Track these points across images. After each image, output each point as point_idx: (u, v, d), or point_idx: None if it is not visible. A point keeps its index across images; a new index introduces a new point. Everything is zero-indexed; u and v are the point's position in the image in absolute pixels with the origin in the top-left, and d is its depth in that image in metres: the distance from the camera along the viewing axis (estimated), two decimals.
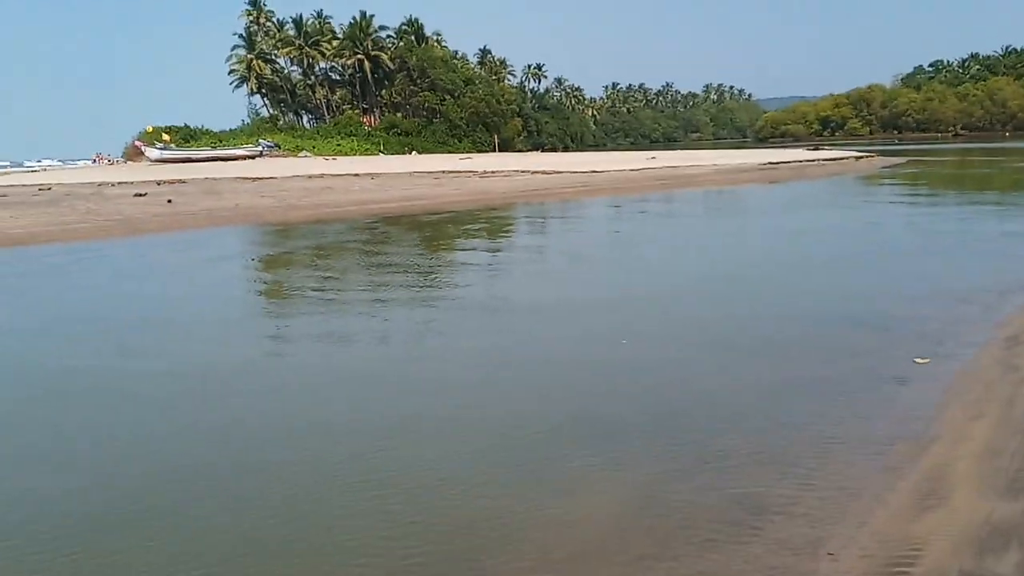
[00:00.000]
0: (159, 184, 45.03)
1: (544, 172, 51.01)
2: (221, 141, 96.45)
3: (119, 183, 45.44)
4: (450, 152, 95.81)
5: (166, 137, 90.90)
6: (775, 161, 56.94)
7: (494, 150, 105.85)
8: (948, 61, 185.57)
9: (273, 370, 11.34)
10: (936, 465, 7.31)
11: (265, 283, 18.89)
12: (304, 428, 8.95)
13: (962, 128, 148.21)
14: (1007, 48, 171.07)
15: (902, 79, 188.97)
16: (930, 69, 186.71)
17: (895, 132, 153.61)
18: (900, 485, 7.02)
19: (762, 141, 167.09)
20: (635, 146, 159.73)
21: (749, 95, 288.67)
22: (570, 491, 7.24)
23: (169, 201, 35.70)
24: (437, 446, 8.32)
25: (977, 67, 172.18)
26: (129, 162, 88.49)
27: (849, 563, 5.88)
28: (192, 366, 11.50)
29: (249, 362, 11.76)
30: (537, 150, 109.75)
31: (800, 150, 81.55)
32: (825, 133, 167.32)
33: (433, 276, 18.33)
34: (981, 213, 27.66)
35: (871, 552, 5.97)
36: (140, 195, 38.34)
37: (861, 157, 63.27)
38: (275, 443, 8.59)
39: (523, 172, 51.64)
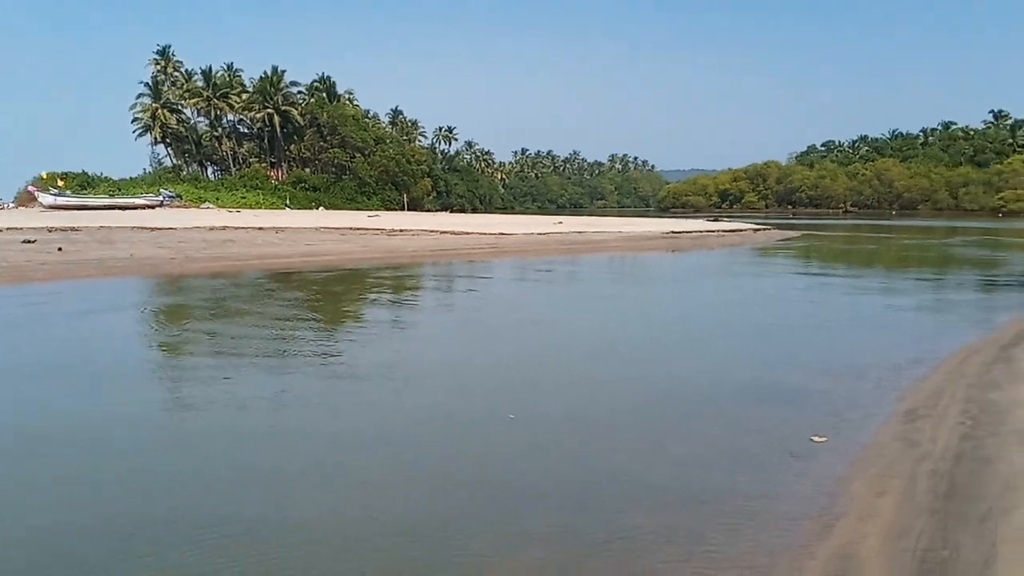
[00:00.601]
0: (50, 231, 43.11)
1: (453, 232, 51.03)
2: (120, 189, 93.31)
3: (8, 228, 43.31)
4: (359, 209, 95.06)
5: (61, 183, 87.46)
6: (678, 230, 58.42)
7: (403, 209, 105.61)
8: (839, 142, 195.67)
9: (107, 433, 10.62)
10: (844, 543, 7.25)
11: (135, 340, 17.95)
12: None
13: (852, 205, 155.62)
14: (894, 132, 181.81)
15: (796, 157, 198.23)
16: (822, 148, 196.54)
17: (789, 207, 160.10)
18: (809, 565, 6.91)
19: (664, 211, 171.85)
20: (542, 210, 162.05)
21: (652, 166, 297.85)
22: (463, 567, 6.89)
23: (60, 249, 34.18)
24: (314, 533, 7.83)
25: (866, 148, 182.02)
26: (21, 207, 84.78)
27: None
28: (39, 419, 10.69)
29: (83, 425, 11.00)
30: (446, 210, 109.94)
31: (701, 220, 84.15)
32: (724, 205, 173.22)
33: (318, 338, 17.68)
34: (871, 288, 28.73)
35: None
36: (29, 241, 36.59)
37: (759, 229, 65.58)
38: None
39: (432, 231, 51.56)
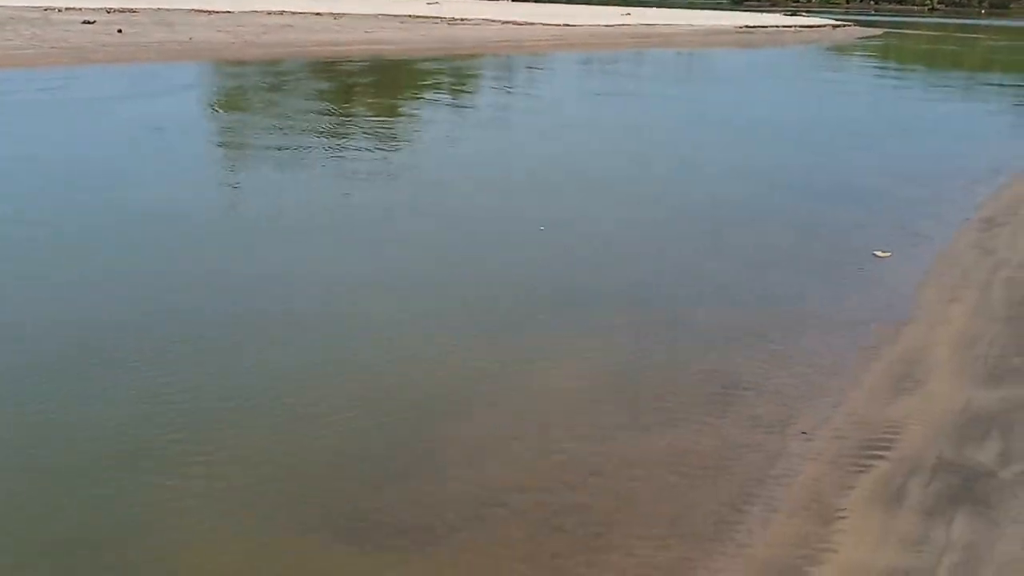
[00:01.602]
0: (108, 12, 42.48)
1: (516, 23, 49.08)
2: None
3: (66, 8, 42.74)
4: None
5: None
6: (751, 25, 55.43)
7: None
8: None
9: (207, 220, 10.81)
10: (912, 348, 7.19)
11: (211, 127, 17.97)
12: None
13: (939, 2, 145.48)
14: None
15: None
16: None
17: (872, 2, 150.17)
18: (875, 367, 6.90)
19: (738, 3, 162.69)
20: (610, 1, 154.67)
21: None
22: (540, 360, 7.02)
23: (119, 31, 33.72)
24: (406, 308, 7.99)
25: None
26: None
27: (823, 444, 5.76)
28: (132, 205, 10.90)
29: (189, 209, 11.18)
30: None
31: (777, 15, 79.52)
32: None
33: (384, 131, 17.53)
34: (953, 93, 27.26)
35: (845, 434, 5.85)
36: (88, 23, 36.15)
37: (838, 26, 61.89)
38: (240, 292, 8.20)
39: (494, 21, 49.65)
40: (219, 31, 36.54)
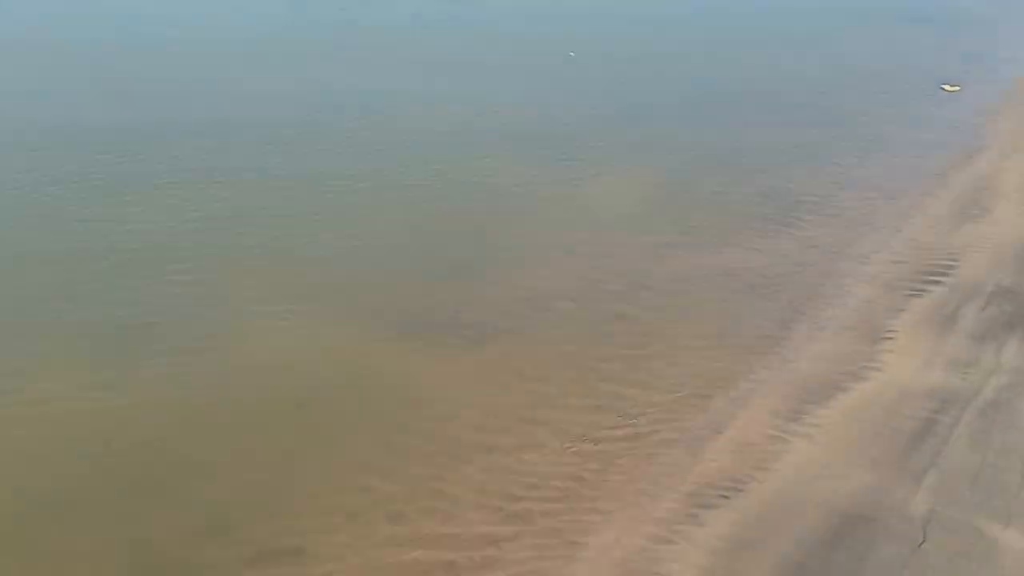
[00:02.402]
0: None
1: None
2: None
3: None
4: None
5: None
6: None
7: None
8: None
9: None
10: (981, 176, 6.92)
11: None
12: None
13: None
14: None
15: None
16: None
17: None
18: (941, 193, 6.69)
19: None
20: None
21: None
22: (594, 173, 6.93)
23: None
24: (464, 118, 7.90)
25: None
26: None
27: (879, 267, 5.68)
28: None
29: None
30: None
31: None
32: None
33: None
34: None
35: (904, 258, 5.76)
36: None
37: None
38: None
39: None
40: None
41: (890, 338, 4.88)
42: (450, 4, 11.61)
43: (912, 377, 4.52)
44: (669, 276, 5.71)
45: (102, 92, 8.40)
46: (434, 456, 4.13)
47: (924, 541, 3.40)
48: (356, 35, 10.36)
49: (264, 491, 3.90)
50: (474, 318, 5.14)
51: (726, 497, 3.75)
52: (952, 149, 7.53)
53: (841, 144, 7.52)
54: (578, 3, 11.76)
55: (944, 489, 3.66)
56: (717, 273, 5.70)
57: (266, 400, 4.55)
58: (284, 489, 3.95)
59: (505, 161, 7.18)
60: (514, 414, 4.40)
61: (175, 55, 9.29)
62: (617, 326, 5.20)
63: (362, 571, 3.71)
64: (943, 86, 8.88)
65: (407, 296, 5.34)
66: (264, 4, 11.29)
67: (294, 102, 8.15)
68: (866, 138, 7.70)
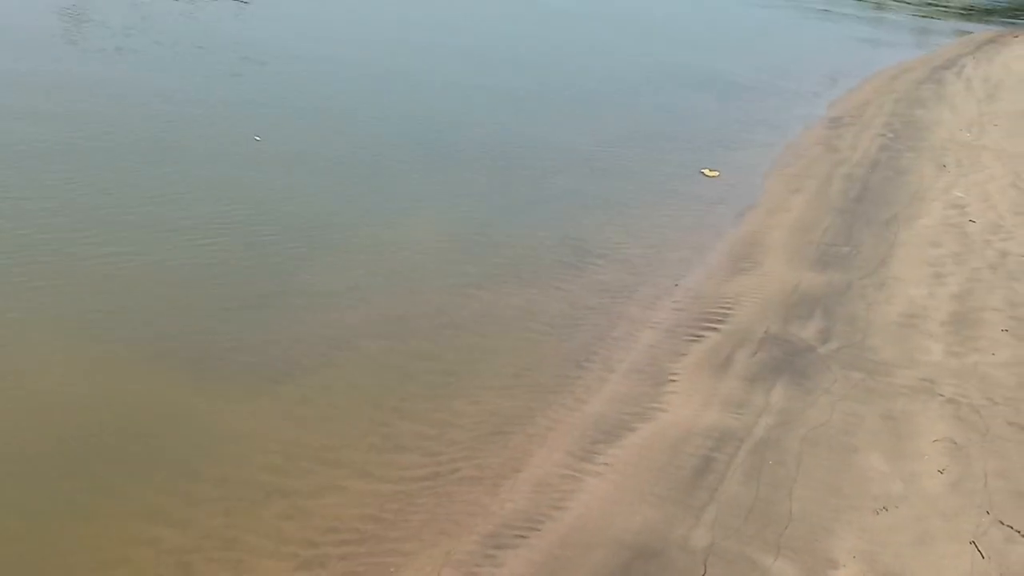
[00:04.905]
0: None
1: None
2: None
3: None
4: None
5: None
6: None
7: None
8: None
9: None
10: (752, 231, 7.58)
11: None
12: None
13: None
14: None
15: None
16: None
17: None
18: (716, 245, 7.25)
19: None
20: None
21: None
22: (400, 214, 7.01)
23: None
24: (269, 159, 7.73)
25: None
26: None
27: (663, 313, 6.07)
28: None
29: None
30: None
31: None
32: None
33: None
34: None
35: (684, 306, 6.18)
36: None
37: None
38: None
39: None
40: None
41: (673, 380, 5.21)
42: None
43: (693, 417, 4.85)
44: (473, 315, 5.83)
45: None
46: (228, 502, 3.96)
47: (705, 573, 3.64)
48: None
49: (39, 547, 3.57)
50: (274, 355, 5.00)
51: (523, 537, 3.86)
52: (729, 205, 8.21)
53: (631, 197, 8.02)
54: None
55: (721, 523, 3.95)
56: (518, 314, 5.89)
57: (41, 447, 4.16)
58: (62, 543, 3.65)
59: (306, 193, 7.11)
60: (314, 456, 4.31)
61: None
62: (421, 364, 5.23)
63: None
64: (702, 171, 8.90)
65: (202, 332, 5.14)
66: None
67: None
68: (655, 191, 8.26)
